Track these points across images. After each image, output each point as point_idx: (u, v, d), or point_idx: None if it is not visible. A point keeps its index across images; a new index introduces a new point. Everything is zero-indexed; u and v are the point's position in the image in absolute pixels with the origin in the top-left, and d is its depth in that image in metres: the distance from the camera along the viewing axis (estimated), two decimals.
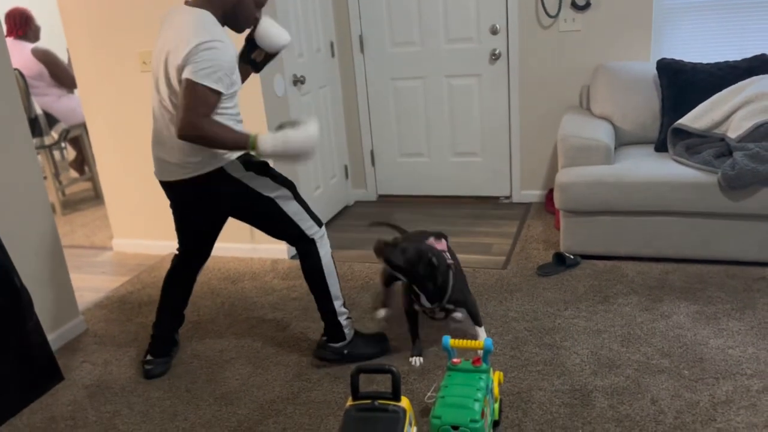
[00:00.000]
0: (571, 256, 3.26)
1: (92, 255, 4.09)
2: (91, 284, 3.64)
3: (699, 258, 3.16)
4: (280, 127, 2.24)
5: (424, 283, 2.39)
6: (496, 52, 4.05)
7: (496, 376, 2.19)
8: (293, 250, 3.74)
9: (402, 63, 4.28)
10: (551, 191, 4.11)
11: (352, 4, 4.23)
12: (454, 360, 2.10)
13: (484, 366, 2.06)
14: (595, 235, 3.24)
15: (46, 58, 4.78)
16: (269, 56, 2.45)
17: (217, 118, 2.20)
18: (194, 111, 2.09)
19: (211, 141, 2.13)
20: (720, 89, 3.32)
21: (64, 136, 4.87)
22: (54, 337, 2.91)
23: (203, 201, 2.37)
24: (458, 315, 2.79)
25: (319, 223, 2.48)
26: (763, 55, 3.35)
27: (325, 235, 2.50)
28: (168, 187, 2.38)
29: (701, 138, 3.25)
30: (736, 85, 3.26)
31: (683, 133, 3.33)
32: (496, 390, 2.13)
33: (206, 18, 2.17)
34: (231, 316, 3.10)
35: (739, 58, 3.43)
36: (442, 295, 2.43)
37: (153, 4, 3.42)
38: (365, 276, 3.39)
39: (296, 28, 3.76)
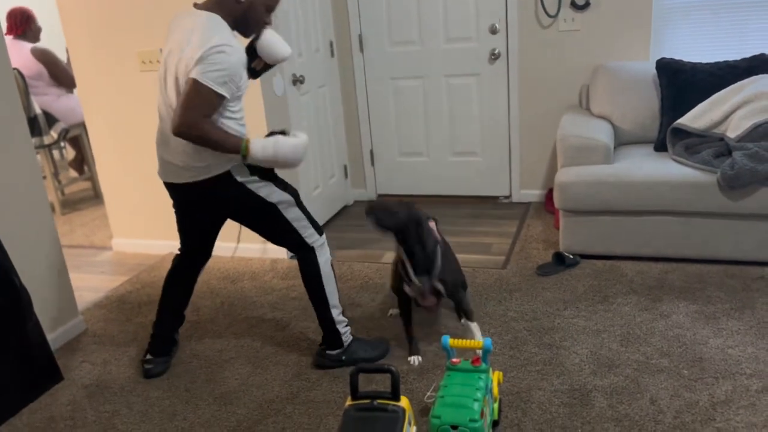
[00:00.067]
0: (571, 256, 3.26)
1: (91, 255, 4.09)
2: (91, 284, 3.63)
3: (698, 258, 3.17)
4: (271, 134, 2.28)
5: (413, 246, 2.40)
6: (496, 51, 4.05)
7: (496, 376, 2.19)
8: None
9: (401, 63, 4.28)
10: (551, 191, 4.12)
11: (352, 4, 4.22)
12: (454, 360, 2.10)
13: (483, 366, 2.06)
14: (595, 235, 3.25)
15: (45, 57, 4.78)
16: (268, 66, 2.45)
17: (222, 120, 2.21)
18: (195, 110, 2.09)
19: (205, 141, 2.13)
20: (719, 89, 3.32)
21: (64, 135, 4.87)
22: (53, 337, 2.91)
23: (206, 203, 2.37)
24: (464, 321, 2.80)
25: (320, 231, 2.49)
26: (762, 54, 3.36)
27: (325, 244, 2.50)
28: (171, 187, 2.39)
29: (700, 138, 3.25)
30: (736, 84, 3.26)
31: (682, 133, 3.33)
32: (495, 390, 2.13)
33: (216, 22, 2.16)
34: (230, 315, 3.10)
35: (738, 58, 3.43)
36: (429, 268, 2.44)
37: (152, 3, 3.42)
38: (365, 276, 3.39)
39: (295, 27, 3.76)
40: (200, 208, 2.43)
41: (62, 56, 5.39)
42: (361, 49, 4.32)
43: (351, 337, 2.59)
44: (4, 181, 2.67)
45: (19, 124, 2.73)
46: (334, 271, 2.53)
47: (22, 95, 4.48)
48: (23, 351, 2.53)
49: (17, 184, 2.73)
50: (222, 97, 2.13)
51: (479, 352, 2.64)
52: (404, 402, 1.94)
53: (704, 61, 3.52)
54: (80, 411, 2.46)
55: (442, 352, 2.61)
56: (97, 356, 2.85)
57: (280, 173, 3.49)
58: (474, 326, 2.60)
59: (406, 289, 2.53)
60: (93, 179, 5.26)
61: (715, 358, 2.42)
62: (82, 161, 5.43)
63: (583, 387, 2.33)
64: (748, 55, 3.44)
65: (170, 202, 3.62)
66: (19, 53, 4.75)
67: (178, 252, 2.64)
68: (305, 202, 3.87)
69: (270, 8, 2.28)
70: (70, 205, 5.19)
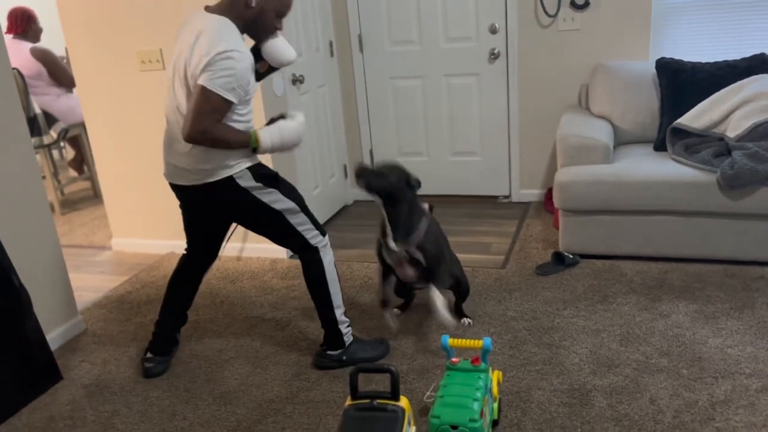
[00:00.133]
0: (570, 256, 3.26)
1: (91, 254, 4.09)
2: (90, 284, 3.63)
3: (698, 257, 3.16)
4: (271, 121, 2.33)
5: (399, 205, 2.42)
6: (495, 51, 4.04)
7: (495, 376, 2.19)
8: None
9: (401, 62, 4.27)
10: (550, 190, 4.11)
11: (351, 4, 4.22)
12: (453, 359, 2.10)
13: (483, 365, 2.06)
14: (594, 235, 3.24)
15: (44, 57, 4.78)
16: (272, 69, 2.45)
17: (230, 123, 2.23)
18: (204, 116, 2.12)
19: (217, 142, 2.17)
20: (719, 89, 3.32)
21: (63, 135, 4.86)
22: (53, 337, 2.91)
23: (210, 206, 2.39)
24: (467, 321, 2.80)
25: (323, 232, 2.49)
26: (762, 54, 3.36)
27: (329, 244, 2.51)
28: (178, 189, 2.40)
29: (700, 137, 3.25)
30: (735, 84, 3.26)
31: (682, 133, 3.33)
32: (495, 389, 2.13)
33: (226, 26, 2.16)
34: (230, 315, 3.10)
35: (738, 58, 3.43)
36: (409, 232, 2.46)
37: (152, 3, 3.42)
38: (364, 275, 3.39)
39: (295, 27, 3.76)
40: (204, 210, 2.44)
41: (61, 56, 5.39)
42: (361, 49, 4.31)
43: (352, 338, 2.59)
44: (4, 180, 2.67)
45: (18, 124, 2.72)
46: (337, 271, 2.53)
47: (21, 95, 4.48)
48: (23, 351, 2.53)
49: (17, 183, 2.73)
50: (230, 103, 2.14)
51: (479, 351, 2.65)
52: (404, 402, 1.94)
53: (704, 60, 3.52)
54: (80, 411, 2.46)
55: (442, 352, 2.62)
56: (97, 356, 2.85)
57: (281, 172, 3.48)
58: (436, 295, 2.52)
59: (385, 256, 2.55)
60: (92, 179, 5.26)
61: (715, 357, 2.42)
62: (82, 161, 5.43)
63: (582, 387, 2.33)
64: (747, 54, 3.44)
65: (170, 201, 3.63)
66: (19, 53, 4.74)
67: (185, 252, 2.65)
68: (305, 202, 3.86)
69: (281, 14, 2.28)
70: (70, 204, 5.19)
